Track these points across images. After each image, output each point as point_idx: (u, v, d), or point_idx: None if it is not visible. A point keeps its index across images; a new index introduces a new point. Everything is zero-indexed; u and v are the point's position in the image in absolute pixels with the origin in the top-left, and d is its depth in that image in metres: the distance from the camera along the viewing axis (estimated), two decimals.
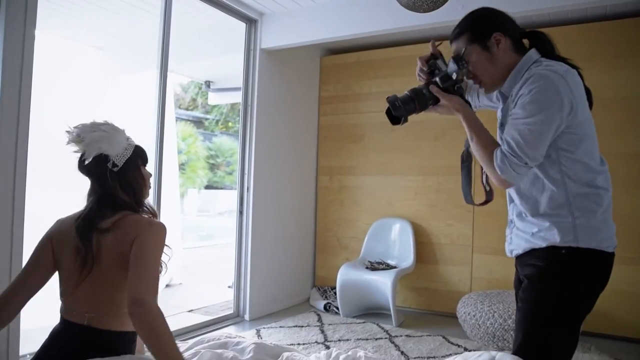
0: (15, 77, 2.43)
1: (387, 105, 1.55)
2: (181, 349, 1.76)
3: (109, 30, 4.58)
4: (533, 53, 1.53)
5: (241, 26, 4.13)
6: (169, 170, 5.51)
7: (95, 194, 1.59)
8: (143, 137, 3.48)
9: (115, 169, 1.57)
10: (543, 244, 1.47)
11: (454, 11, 3.23)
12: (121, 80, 5.23)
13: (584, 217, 1.44)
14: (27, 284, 1.55)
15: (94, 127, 1.58)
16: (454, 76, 1.54)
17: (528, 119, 1.38)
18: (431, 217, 4.37)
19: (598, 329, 3.57)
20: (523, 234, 1.54)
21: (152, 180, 1.75)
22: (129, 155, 1.61)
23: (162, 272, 1.59)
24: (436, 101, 1.56)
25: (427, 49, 1.66)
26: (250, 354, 1.68)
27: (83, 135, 1.56)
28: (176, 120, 6.65)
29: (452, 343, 3.48)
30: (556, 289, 1.45)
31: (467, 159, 1.71)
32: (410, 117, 1.60)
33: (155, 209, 1.77)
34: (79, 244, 1.50)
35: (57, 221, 1.64)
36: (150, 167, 3.27)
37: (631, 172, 3.61)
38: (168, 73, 3.41)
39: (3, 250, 2.37)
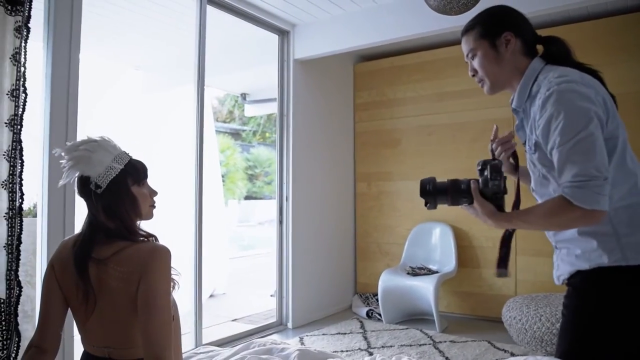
0: (62, 101, 2.56)
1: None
2: (228, 354, 1.81)
3: (145, 50, 4.75)
4: (536, 62, 1.46)
5: (274, 38, 4.20)
6: (213, 182, 5.64)
7: (88, 218, 1.49)
8: (184, 151, 3.60)
9: (98, 191, 1.44)
10: (587, 266, 1.36)
11: None
12: (159, 97, 5.40)
13: (630, 232, 1.32)
14: (50, 325, 1.48)
15: (75, 146, 1.47)
16: (489, 185, 1.43)
17: (574, 138, 1.26)
18: (472, 220, 4.26)
19: None
20: (568, 257, 1.43)
21: (156, 198, 1.59)
22: (114, 175, 1.45)
23: (174, 290, 1.51)
24: (471, 201, 1.45)
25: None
26: None
27: (64, 155, 1.47)
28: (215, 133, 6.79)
29: (498, 348, 3.41)
30: (606, 308, 1.33)
31: (508, 237, 1.56)
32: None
33: (157, 236, 1.56)
34: (77, 278, 1.42)
35: (60, 244, 1.56)
36: (191, 180, 3.38)
37: None
38: (205, 87, 3.51)
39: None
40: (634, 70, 3.65)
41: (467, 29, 1.53)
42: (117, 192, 1.46)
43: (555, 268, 1.52)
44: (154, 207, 1.58)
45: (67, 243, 1.52)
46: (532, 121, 1.41)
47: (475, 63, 1.52)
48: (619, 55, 3.69)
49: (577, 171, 1.24)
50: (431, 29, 3.61)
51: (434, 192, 1.46)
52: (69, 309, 1.51)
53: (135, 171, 1.52)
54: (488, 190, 1.43)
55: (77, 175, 1.48)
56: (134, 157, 1.56)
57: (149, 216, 1.57)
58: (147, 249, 1.44)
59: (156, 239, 1.54)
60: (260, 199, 14.30)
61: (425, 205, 1.49)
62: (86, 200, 1.48)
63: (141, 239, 1.50)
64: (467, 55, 1.55)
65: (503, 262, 1.54)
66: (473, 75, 1.56)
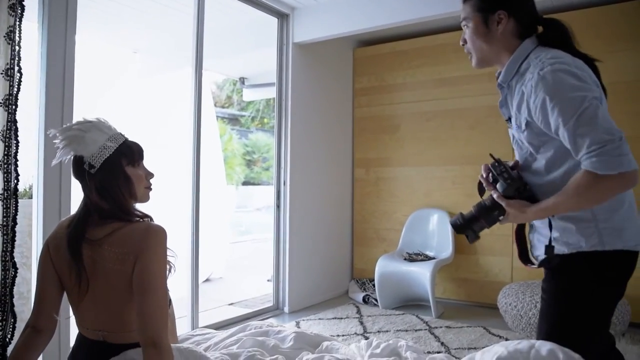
0: (59, 82, 2.53)
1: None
2: (224, 336, 1.81)
3: (142, 33, 4.69)
4: (528, 43, 1.45)
5: (273, 21, 4.16)
6: (215, 166, 5.62)
7: (83, 199, 1.48)
8: (184, 134, 3.57)
9: (92, 171, 1.42)
10: (566, 250, 1.40)
11: None
12: (157, 80, 5.35)
13: (607, 217, 1.35)
14: (45, 305, 1.47)
15: (69, 126, 1.47)
16: (506, 184, 1.44)
17: (576, 113, 1.26)
18: (469, 206, 4.29)
19: None
20: (545, 238, 1.46)
21: (152, 180, 1.57)
22: (108, 155, 1.43)
23: (171, 273, 1.49)
24: (503, 211, 1.45)
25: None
26: (291, 343, 1.71)
27: (58, 135, 1.46)
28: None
29: (493, 334, 3.43)
30: (583, 291, 1.40)
31: (518, 231, 1.59)
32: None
33: (150, 215, 1.54)
34: (70, 258, 1.41)
35: (58, 224, 1.55)
36: (188, 163, 3.36)
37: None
38: (203, 71, 3.47)
39: None
40: (625, 59, 3.61)
41: None
42: (110, 172, 1.44)
43: (534, 247, 1.55)
44: (150, 189, 1.57)
45: (63, 224, 1.52)
46: (520, 99, 1.41)
47: (467, 34, 1.53)
48: (620, 43, 3.66)
49: (589, 141, 1.24)
50: (431, 14, 3.57)
51: (467, 224, 1.49)
52: (64, 290, 1.50)
53: (129, 151, 1.50)
54: (509, 189, 1.43)
55: (70, 155, 1.46)
56: (129, 139, 1.54)
57: (145, 198, 1.56)
58: (141, 228, 1.42)
59: (151, 219, 1.52)
60: (258, 184, 14.29)
61: (467, 238, 1.52)
62: (81, 182, 1.47)
63: (136, 219, 1.48)
64: (461, 23, 1.55)
65: (523, 256, 1.56)
66: (463, 45, 1.56)
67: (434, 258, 4.17)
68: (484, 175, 1.55)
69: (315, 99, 4.46)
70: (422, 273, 3.90)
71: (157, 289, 1.37)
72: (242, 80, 6.37)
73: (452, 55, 4.35)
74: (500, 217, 1.48)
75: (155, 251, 1.39)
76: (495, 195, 1.46)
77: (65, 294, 1.51)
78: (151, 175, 1.56)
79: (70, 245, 1.42)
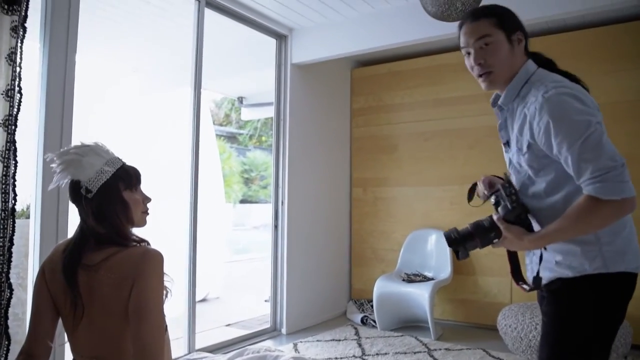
0: (58, 102, 2.53)
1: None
2: None
3: (142, 53, 4.73)
4: (530, 65, 1.48)
5: (271, 42, 4.19)
6: (214, 184, 5.62)
7: (79, 224, 1.47)
8: (182, 153, 3.58)
9: (89, 195, 1.41)
10: (570, 274, 1.39)
11: None
12: (155, 99, 5.38)
13: (610, 241, 1.36)
14: (40, 331, 1.44)
15: (66, 150, 1.46)
16: (508, 205, 1.43)
17: (581, 138, 1.28)
18: None
19: None
20: (546, 262, 1.46)
21: (149, 204, 1.55)
22: (105, 179, 1.42)
23: (167, 298, 1.47)
24: (499, 234, 1.45)
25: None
26: None
27: (55, 159, 1.45)
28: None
29: (493, 356, 3.39)
30: (586, 314, 1.39)
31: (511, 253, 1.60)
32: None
33: (145, 238, 1.53)
34: (65, 284, 1.39)
35: (54, 248, 1.53)
36: (187, 183, 3.36)
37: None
38: (202, 90, 3.49)
39: None
40: (627, 79, 3.66)
41: (480, 15, 1.49)
42: (108, 196, 1.43)
43: (530, 271, 1.55)
44: (147, 213, 1.55)
45: (59, 248, 1.50)
46: (522, 122, 1.42)
47: (487, 50, 1.47)
48: (622, 63, 3.69)
49: (593, 167, 1.26)
50: (429, 35, 3.61)
51: (461, 240, 1.47)
52: (59, 315, 1.48)
53: (127, 176, 1.49)
54: (511, 214, 1.43)
55: (67, 179, 1.45)
56: (127, 163, 1.53)
57: (142, 223, 1.54)
58: (138, 253, 1.41)
59: (148, 243, 1.51)
60: (256, 202, 14.27)
61: (457, 254, 1.50)
62: (77, 206, 1.46)
63: (133, 244, 1.47)
64: (477, 40, 1.48)
65: (516, 274, 1.57)
66: (479, 64, 1.49)
67: (432, 279, 4.15)
68: (486, 193, 1.55)
69: (313, 119, 4.48)
70: (420, 294, 3.88)
71: (154, 313, 1.35)
72: (240, 99, 6.41)
73: (450, 76, 4.39)
74: (495, 240, 1.47)
75: (152, 276, 1.37)
76: (495, 217, 1.45)
77: (60, 320, 1.49)
78: (148, 199, 1.55)
79: (66, 271, 1.39)
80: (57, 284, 1.42)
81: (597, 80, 3.70)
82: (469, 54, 1.52)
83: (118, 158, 1.51)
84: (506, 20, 1.48)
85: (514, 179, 1.56)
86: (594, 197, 1.26)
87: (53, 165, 1.46)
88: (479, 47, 1.47)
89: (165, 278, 1.43)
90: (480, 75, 1.51)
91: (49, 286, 1.45)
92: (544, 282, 1.48)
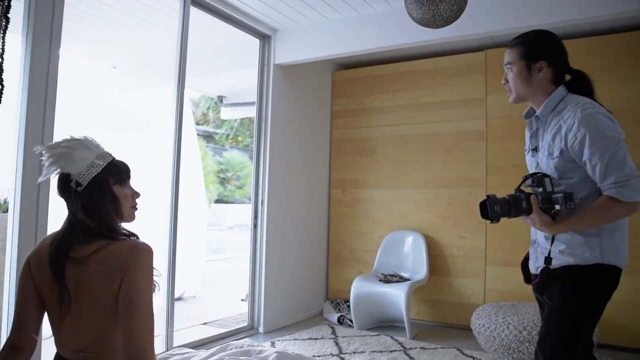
0: (40, 96, 2.50)
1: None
2: (204, 355, 1.80)
3: (122, 49, 4.68)
4: (562, 89, 1.72)
5: (254, 42, 4.21)
6: (196, 184, 5.58)
7: (67, 217, 1.46)
8: (162, 151, 3.56)
9: (79, 189, 1.41)
10: (573, 261, 1.65)
11: (465, 26, 3.30)
12: (136, 97, 5.32)
13: (609, 236, 1.63)
14: (25, 324, 1.44)
15: (57, 144, 1.46)
16: (557, 207, 1.61)
17: (610, 150, 1.56)
18: (444, 229, 4.39)
19: (617, 342, 3.56)
20: (546, 251, 1.70)
21: (138, 200, 1.56)
22: (95, 173, 1.43)
23: (156, 292, 1.46)
24: (529, 212, 1.66)
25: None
26: None
27: (45, 152, 1.45)
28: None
29: (466, 355, 3.47)
30: (587, 294, 1.64)
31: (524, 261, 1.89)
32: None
33: (135, 232, 1.55)
34: (52, 277, 1.38)
35: (40, 241, 1.52)
36: (167, 182, 3.35)
37: None
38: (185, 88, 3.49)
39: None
40: (621, 88, 3.72)
41: (513, 45, 1.79)
42: (98, 190, 1.43)
43: (534, 260, 1.81)
44: (136, 208, 1.56)
45: (45, 241, 1.49)
46: (556, 131, 1.66)
47: (510, 75, 1.79)
48: (608, 73, 3.74)
49: (617, 175, 1.55)
50: (413, 41, 3.67)
51: (500, 206, 1.65)
52: (45, 309, 1.47)
53: (117, 170, 1.49)
54: (547, 205, 1.63)
55: (57, 172, 1.45)
56: (116, 158, 1.54)
57: (131, 218, 1.55)
58: (128, 246, 1.41)
59: (137, 237, 1.52)
60: (231, 202, 14.20)
61: (488, 215, 1.65)
62: (66, 200, 1.46)
63: (122, 237, 1.47)
64: (505, 64, 1.81)
65: (528, 279, 1.87)
66: (504, 83, 1.82)
67: (408, 279, 4.22)
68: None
69: (294, 120, 4.51)
70: (397, 294, 3.94)
71: (144, 306, 1.35)
72: (221, 98, 6.39)
73: (429, 81, 4.47)
74: (524, 215, 1.68)
75: (142, 269, 1.38)
76: (533, 200, 1.65)
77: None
78: (137, 195, 1.56)
79: (53, 264, 1.39)
80: (44, 277, 1.42)
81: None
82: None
83: (108, 152, 1.51)
84: (531, 51, 1.74)
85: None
86: (614, 198, 1.55)
87: (42, 158, 1.45)
88: (506, 69, 1.81)
89: (154, 272, 1.44)
90: (507, 91, 1.83)
91: (34, 279, 1.44)
92: (542, 267, 1.71)
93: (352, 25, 3.89)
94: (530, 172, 1.80)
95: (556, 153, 1.67)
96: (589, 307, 1.65)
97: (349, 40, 3.93)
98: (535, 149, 1.79)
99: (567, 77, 1.79)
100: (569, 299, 1.65)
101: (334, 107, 5.06)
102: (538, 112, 1.76)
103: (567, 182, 1.67)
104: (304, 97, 4.66)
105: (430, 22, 2.34)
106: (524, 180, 1.75)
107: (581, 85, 1.73)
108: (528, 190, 1.73)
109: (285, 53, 4.21)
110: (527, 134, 1.87)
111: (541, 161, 1.76)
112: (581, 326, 1.64)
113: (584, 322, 1.65)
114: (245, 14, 3.86)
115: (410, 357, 3.42)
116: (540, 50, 1.74)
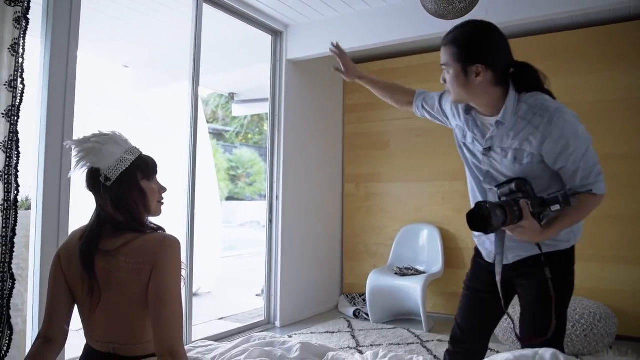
0: (60, 95, 2.54)
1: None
2: (229, 347, 1.82)
3: (134, 48, 4.71)
4: (512, 92, 1.59)
5: (267, 38, 4.22)
6: (210, 182, 5.61)
7: (96, 211, 1.49)
8: (176, 149, 3.59)
9: (108, 183, 1.43)
10: (567, 246, 1.70)
11: (478, 17, 3.26)
12: (148, 95, 5.36)
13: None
14: (56, 316, 1.47)
15: (86, 139, 1.48)
16: (556, 207, 1.55)
17: (587, 150, 1.55)
18: (459, 222, 4.38)
19: (635, 333, 3.54)
20: (527, 244, 1.66)
21: (165, 194, 1.60)
22: (124, 168, 1.45)
23: (183, 284, 1.48)
24: (520, 219, 1.53)
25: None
26: (297, 353, 1.73)
27: (75, 147, 1.47)
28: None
29: None
30: (569, 279, 1.73)
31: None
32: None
33: (162, 226, 1.57)
34: (82, 270, 1.42)
35: (70, 235, 1.55)
36: (183, 180, 3.38)
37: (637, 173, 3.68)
38: (199, 86, 3.51)
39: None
40: (614, 79, 3.75)
41: (446, 43, 1.61)
42: (126, 185, 1.45)
43: (509, 250, 1.73)
44: (162, 203, 1.58)
45: (75, 235, 1.51)
46: (524, 135, 1.57)
47: (447, 77, 1.63)
48: (602, 64, 3.78)
49: (595, 172, 1.57)
50: (424, 33, 3.67)
51: (493, 207, 1.49)
52: (75, 301, 1.50)
53: (145, 165, 1.52)
54: (538, 210, 1.56)
55: (87, 166, 1.47)
56: (144, 153, 1.56)
57: (157, 212, 1.57)
58: (157, 239, 1.43)
59: (164, 230, 1.54)
60: (242, 200, 14.26)
61: (486, 228, 1.51)
62: (95, 194, 1.48)
63: (149, 231, 1.50)
64: (441, 64, 1.65)
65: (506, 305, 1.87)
66: (443, 83, 1.67)
67: (424, 272, 4.23)
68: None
69: (307, 115, 4.52)
70: (413, 287, 3.95)
71: (174, 298, 1.38)
72: (232, 95, 6.42)
73: (441, 74, 4.45)
74: (516, 221, 1.53)
75: (171, 262, 1.40)
76: (523, 206, 1.53)
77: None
78: (164, 189, 1.58)
79: (83, 257, 1.41)
80: (74, 270, 1.44)
81: (585, 79, 3.81)
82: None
83: (136, 147, 1.54)
84: (465, 53, 1.56)
85: (486, 183, 1.76)
86: (596, 193, 1.57)
87: (73, 153, 1.48)
88: (443, 69, 1.65)
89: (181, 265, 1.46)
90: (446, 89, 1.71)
91: (65, 272, 1.47)
92: (521, 257, 1.74)
93: (364, 19, 3.89)
94: (487, 173, 1.72)
95: (526, 160, 1.58)
96: (573, 279, 1.75)
97: (361, 35, 3.93)
98: (489, 149, 1.66)
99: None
100: (565, 278, 1.70)
101: (346, 101, 5.06)
102: (500, 118, 1.59)
103: (537, 183, 1.61)
104: (317, 92, 4.67)
105: (445, 13, 2.33)
106: (498, 187, 1.65)
107: (527, 78, 1.61)
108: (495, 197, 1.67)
109: (297, 48, 4.22)
110: (464, 128, 1.77)
111: (500, 163, 1.65)
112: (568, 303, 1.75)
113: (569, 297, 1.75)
114: (258, 10, 3.87)
115: (428, 350, 3.42)
116: (474, 52, 1.55)
